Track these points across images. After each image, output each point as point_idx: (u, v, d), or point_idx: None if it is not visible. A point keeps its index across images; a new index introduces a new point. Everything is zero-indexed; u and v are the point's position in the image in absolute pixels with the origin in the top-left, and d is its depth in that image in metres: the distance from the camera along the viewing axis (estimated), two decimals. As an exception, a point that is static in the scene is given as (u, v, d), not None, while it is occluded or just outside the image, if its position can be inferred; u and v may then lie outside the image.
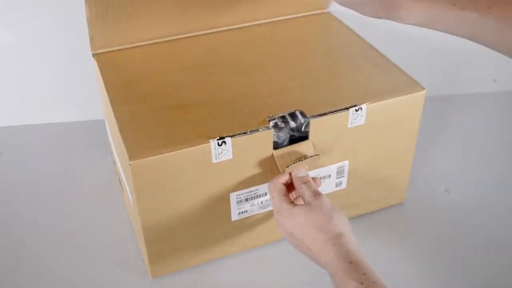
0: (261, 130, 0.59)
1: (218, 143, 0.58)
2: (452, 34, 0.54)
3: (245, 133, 0.59)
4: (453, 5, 0.52)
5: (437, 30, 0.55)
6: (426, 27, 0.55)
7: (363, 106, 0.63)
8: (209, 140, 0.57)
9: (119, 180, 0.77)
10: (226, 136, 0.58)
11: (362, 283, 0.49)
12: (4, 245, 0.72)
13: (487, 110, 1.00)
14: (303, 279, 0.68)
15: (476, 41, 0.54)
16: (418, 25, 0.55)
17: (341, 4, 0.60)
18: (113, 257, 0.71)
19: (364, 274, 0.50)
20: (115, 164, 0.80)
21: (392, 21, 0.79)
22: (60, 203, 0.79)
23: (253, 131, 0.59)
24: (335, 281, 0.52)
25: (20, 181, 0.83)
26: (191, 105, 0.63)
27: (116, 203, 0.78)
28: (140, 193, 0.58)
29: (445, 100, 1.01)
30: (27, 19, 0.83)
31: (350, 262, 0.51)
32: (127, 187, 0.66)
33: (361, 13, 0.59)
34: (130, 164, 0.55)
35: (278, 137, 0.60)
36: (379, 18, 0.57)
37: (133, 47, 0.75)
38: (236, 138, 0.58)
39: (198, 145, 0.57)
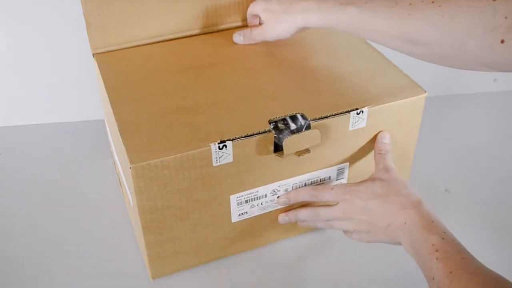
0: (262, 133, 0.59)
1: (219, 146, 0.57)
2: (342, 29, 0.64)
3: (246, 136, 0.58)
4: (340, 4, 0.62)
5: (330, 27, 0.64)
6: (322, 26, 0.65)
7: (365, 109, 0.62)
8: (210, 144, 0.57)
9: (119, 180, 0.77)
10: (227, 140, 0.58)
11: (443, 238, 0.53)
12: (3, 245, 0.72)
13: (487, 110, 1.01)
14: (303, 279, 0.68)
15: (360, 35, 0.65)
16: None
17: (253, 41, 0.74)
18: (113, 258, 0.71)
19: (444, 232, 0.54)
20: (115, 164, 0.80)
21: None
22: (59, 203, 0.79)
23: (253, 134, 0.59)
24: (413, 238, 0.56)
25: (20, 181, 0.83)
26: (192, 107, 0.63)
27: (116, 204, 0.78)
28: (140, 195, 0.58)
29: (445, 100, 1.01)
30: (26, 19, 0.83)
31: (432, 221, 0.55)
32: (127, 188, 0.65)
33: (275, 38, 0.71)
34: (130, 168, 0.55)
35: (279, 139, 0.60)
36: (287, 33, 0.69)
37: (134, 47, 0.75)
38: (236, 142, 0.58)
39: (199, 148, 0.57)
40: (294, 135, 0.60)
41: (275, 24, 0.70)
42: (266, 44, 0.76)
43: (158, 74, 0.70)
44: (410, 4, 0.56)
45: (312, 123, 0.60)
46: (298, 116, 0.61)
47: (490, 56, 0.51)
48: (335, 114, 0.61)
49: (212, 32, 0.78)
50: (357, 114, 0.62)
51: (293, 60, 0.72)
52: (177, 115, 0.62)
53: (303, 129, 0.61)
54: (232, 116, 0.62)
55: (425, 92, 0.66)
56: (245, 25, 0.79)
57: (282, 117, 0.61)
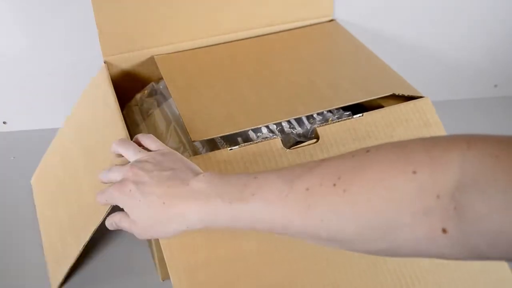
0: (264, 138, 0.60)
1: None
2: (235, 228, 0.46)
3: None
4: (222, 199, 0.45)
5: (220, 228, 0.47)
6: (210, 227, 0.47)
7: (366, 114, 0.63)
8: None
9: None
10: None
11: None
12: (5, 245, 0.74)
13: (487, 116, 1.01)
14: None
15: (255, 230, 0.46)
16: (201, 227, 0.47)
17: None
18: (123, 258, 0.71)
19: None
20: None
21: (394, 29, 0.78)
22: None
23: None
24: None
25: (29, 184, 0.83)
26: (196, 111, 0.63)
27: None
28: None
29: (445, 105, 1.01)
30: (34, 24, 0.83)
31: None
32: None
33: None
34: None
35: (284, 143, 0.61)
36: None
37: (145, 55, 0.76)
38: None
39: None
40: None
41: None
42: (278, 52, 0.76)
43: (169, 82, 0.69)
44: (307, 189, 0.42)
45: (317, 128, 0.60)
46: (303, 118, 0.62)
47: (432, 248, 0.37)
48: (339, 118, 0.63)
49: (221, 36, 0.79)
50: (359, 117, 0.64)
51: (296, 66, 0.73)
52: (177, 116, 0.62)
53: (309, 133, 0.62)
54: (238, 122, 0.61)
55: (426, 97, 0.67)
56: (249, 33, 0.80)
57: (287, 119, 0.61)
